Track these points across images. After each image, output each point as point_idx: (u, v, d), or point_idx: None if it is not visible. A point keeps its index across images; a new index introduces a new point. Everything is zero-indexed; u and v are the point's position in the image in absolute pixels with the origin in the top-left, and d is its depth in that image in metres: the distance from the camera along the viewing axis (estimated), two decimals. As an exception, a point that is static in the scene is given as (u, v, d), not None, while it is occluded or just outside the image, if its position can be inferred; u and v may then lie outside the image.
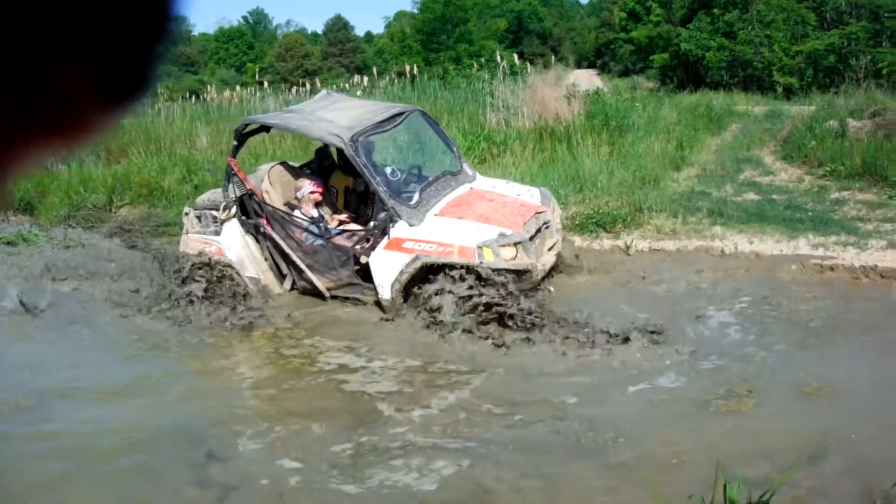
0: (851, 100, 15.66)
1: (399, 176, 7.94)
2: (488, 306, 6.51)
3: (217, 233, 7.72)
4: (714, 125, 15.94)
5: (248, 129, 7.93)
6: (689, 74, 26.91)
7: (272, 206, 7.57)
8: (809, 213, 9.38)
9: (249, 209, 7.58)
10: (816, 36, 23.74)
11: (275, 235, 7.47)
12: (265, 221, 7.49)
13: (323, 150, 8.74)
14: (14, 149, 0.49)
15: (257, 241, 7.65)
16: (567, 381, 5.79)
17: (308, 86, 19.59)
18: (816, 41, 23.36)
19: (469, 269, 6.63)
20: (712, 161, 12.81)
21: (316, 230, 7.42)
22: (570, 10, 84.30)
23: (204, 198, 8.39)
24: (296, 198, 7.67)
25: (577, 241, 8.91)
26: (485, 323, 6.51)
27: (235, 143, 7.80)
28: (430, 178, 7.67)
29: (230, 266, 7.55)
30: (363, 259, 7.14)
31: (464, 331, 6.45)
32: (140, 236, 10.40)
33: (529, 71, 18.39)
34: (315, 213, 7.58)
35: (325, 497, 4.52)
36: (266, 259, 7.68)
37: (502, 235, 6.75)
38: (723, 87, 23.85)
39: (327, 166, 8.58)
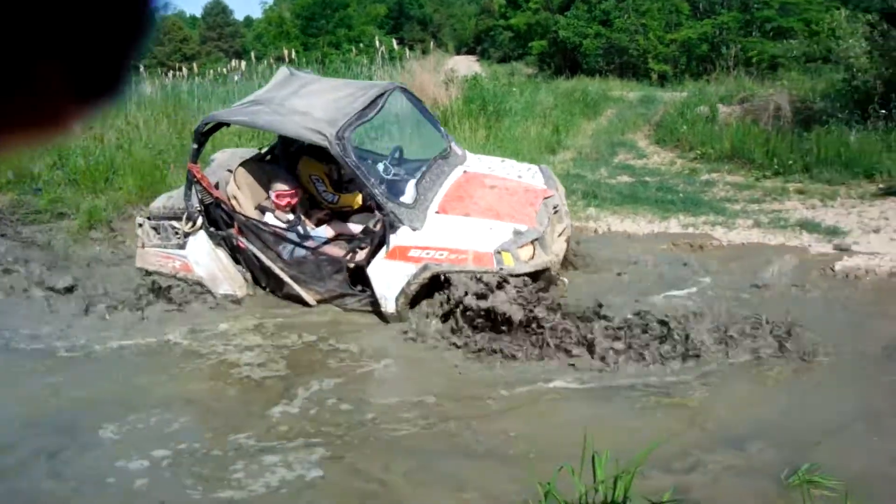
0: (722, 86, 16.16)
1: (391, 171, 6.78)
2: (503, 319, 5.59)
3: (181, 246, 6.75)
4: (590, 110, 16.16)
5: (208, 127, 6.63)
6: (566, 61, 27.23)
7: (244, 215, 6.57)
8: (680, 195, 9.55)
9: (217, 219, 6.65)
10: (690, 25, 24.43)
11: (251, 247, 6.54)
12: (237, 232, 6.59)
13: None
14: None
15: (229, 252, 6.77)
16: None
17: (185, 70, 18.83)
18: (690, 30, 24.03)
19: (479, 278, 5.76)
20: (588, 145, 12.98)
21: (298, 239, 6.50)
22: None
23: (157, 205, 7.11)
24: (266, 197, 6.71)
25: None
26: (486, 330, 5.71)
27: (196, 145, 6.58)
28: (423, 168, 6.70)
29: (202, 285, 6.73)
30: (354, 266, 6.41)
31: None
32: (10, 225, 9.57)
33: (408, 56, 18.26)
34: (290, 216, 6.63)
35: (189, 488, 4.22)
36: (242, 273, 6.79)
37: (518, 234, 5.92)
38: (599, 74, 24.28)
39: (294, 152, 7.39)
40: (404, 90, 7.53)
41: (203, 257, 6.70)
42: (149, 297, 6.83)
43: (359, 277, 6.37)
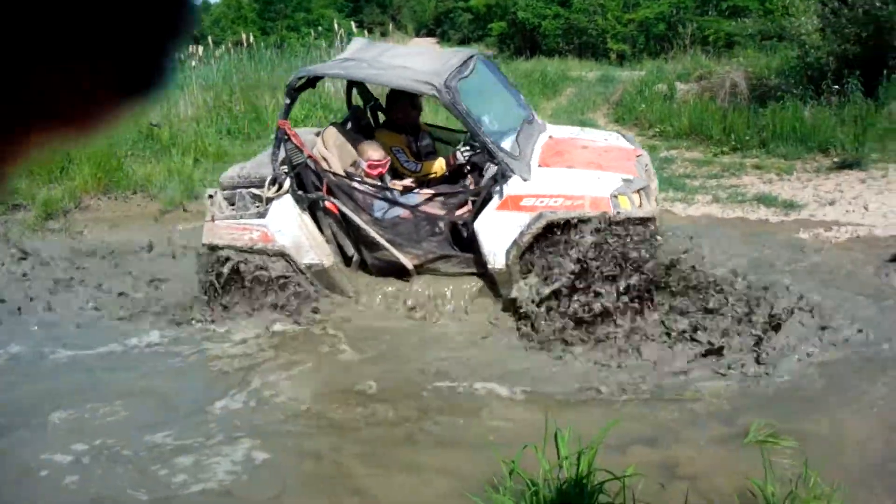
0: (679, 65, 16.27)
1: (494, 125, 6.36)
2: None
3: (261, 214, 6.22)
4: (549, 90, 16.22)
5: (301, 82, 6.21)
6: (525, 42, 27.26)
7: (337, 175, 6.20)
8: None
9: (307, 181, 6.18)
10: (647, 5, 24.57)
11: (344, 209, 6.15)
12: (326, 193, 6.16)
13: (358, 109, 7.23)
14: (27, 137, 0.49)
15: (314, 219, 6.30)
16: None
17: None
18: (647, 10, 24.19)
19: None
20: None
21: (396, 199, 6.16)
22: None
23: (231, 174, 6.61)
24: (352, 165, 6.37)
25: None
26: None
27: (288, 101, 6.16)
28: (517, 128, 6.31)
29: (282, 254, 6.22)
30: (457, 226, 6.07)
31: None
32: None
33: (368, 39, 18.10)
34: (378, 182, 6.31)
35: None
36: (328, 241, 6.32)
37: (628, 182, 5.69)
38: (559, 54, 24.35)
39: (364, 126, 7.05)
40: (484, 60, 7.09)
41: (288, 224, 6.19)
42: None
43: (461, 243, 6.12)
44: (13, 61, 0.45)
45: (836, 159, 9.50)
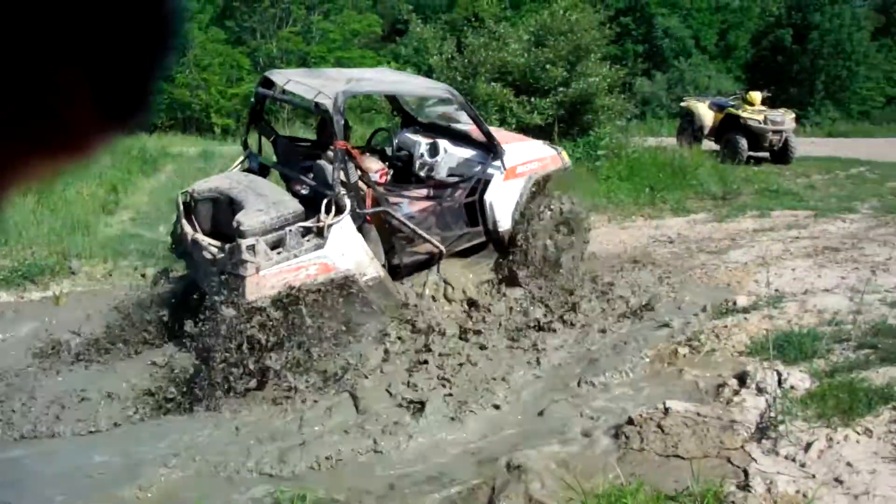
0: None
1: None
2: None
3: (319, 246, 5.81)
4: (149, 167, 15.64)
5: (347, 102, 6.33)
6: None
7: (383, 186, 6.77)
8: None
9: (358, 198, 6.18)
10: (250, 79, 24.93)
11: (396, 214, 6.52)
12: (372, 205, 6.38)
13: (323, 124, 7.17)
14: (12, 167, 0.48)
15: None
16: None
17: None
18: (250, 84, 24.49)
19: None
20: (146, 203, 12.54)
21: (415, 195, 7.01)
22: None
23: (260, 220, 5.80)
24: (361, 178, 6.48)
25: (4, 296, 8.19)
26: None
27: (340, 119, 6.02)
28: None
29: (349, 278, 5.94)
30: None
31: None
32: None
33: None
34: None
35: None
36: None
37: (553, 146, 8.19)
38: (162, 129, 23.76)
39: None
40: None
41: (349, 245, 6.05)
42: None
43: (473, 220, 7.18)
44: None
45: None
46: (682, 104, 17.78)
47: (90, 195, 12.19)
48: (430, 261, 6.88)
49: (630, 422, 4.76)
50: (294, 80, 6.70)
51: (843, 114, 31.94)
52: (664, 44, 36.17)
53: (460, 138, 7.61)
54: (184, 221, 6.57)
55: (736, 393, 5.16)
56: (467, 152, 7.39)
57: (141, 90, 0.51)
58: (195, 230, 6.46)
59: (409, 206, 6.81)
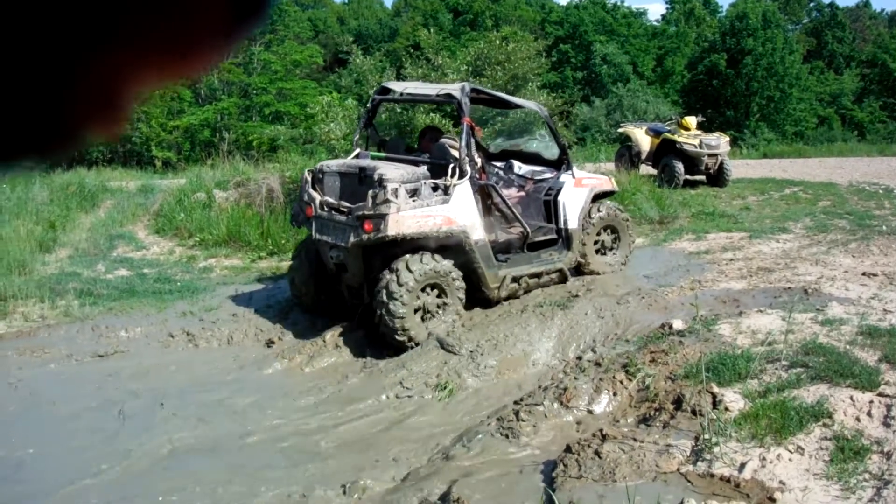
0: (218, 171, 16.37)
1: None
2: None
3: (445, 201, 7.11)
4: (88, 203, 15.35)
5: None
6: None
7: (490, 163, 8.39)
8: (178, 284, 9.47)
9: (473, 169, 7.45)
10: (192, 112, 24.71)
11: (500, 191, 7.92)
12: (484, 177, 7.82)
13: (423, 133, 9.26)
14: (141, 71, 0.48)
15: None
16: None
17: None
18: (192, 116, 24.34)
19: None
20: (85, 240, 12.29)
21: (522, 182, 8.68)
22: None
23: (400, 173, 7.10)
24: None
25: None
26: None
27: (469, 102, 7.53)
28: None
29: (465, 233, 7.21)
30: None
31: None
32: None
33: None
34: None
35: None
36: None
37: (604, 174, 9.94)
38: (99, 164, 23.37)
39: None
40: None
41: (467, 205, 7.26)
42: None
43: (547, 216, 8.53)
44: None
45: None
46: (620, 130, 18.12)
47: (28, 233, 11.93)
48: (516, 242, 8.06)
49: (568, 450, 4.81)
50: (411, 87, 8.68)
51: (778, 135, 32.85)
52: (603, 70, 36.93)
53: (530, 159, 9.24)
54: (311, 190, 7.58)
55: (672, 417, 5.24)
56: (537, 168, 8.92)
57: None
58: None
59: (505, 189, 8.19)
